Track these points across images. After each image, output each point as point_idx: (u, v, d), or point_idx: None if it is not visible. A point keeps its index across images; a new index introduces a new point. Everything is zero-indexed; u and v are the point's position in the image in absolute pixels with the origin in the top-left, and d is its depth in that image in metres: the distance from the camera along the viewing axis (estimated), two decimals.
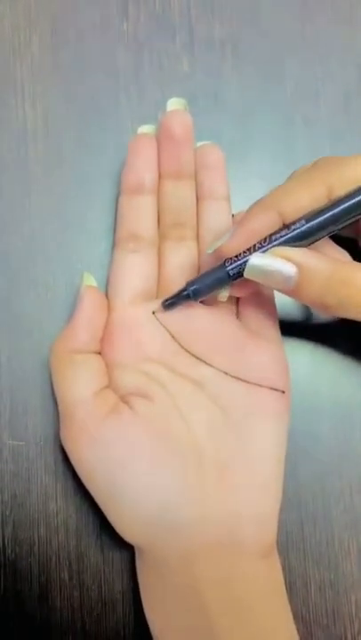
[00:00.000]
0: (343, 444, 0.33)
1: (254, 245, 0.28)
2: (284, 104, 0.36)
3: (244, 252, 0.28)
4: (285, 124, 0.36)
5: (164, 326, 0.31)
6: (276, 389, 0.30)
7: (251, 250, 0.28)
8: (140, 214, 0.32)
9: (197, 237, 0.33)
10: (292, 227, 0.27)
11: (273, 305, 0.32)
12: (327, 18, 0.37)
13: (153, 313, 0.31)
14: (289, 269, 0.27)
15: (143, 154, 0.32)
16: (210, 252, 0.29)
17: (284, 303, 0.32)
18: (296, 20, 0.37)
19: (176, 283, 0.32)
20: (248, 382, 0.30)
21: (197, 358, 0.31)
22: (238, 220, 0.29)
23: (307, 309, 0.34)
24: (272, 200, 0.28)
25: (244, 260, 0.28)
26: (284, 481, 0.30)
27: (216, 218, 0.32)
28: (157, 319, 0.31)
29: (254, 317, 0.32)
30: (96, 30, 0.36)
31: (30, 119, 0.35)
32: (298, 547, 0.32)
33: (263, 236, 0.28)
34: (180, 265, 0.32)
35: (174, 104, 0.31)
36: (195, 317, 0.31)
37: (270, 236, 0.28)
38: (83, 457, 0.29)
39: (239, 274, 0.29)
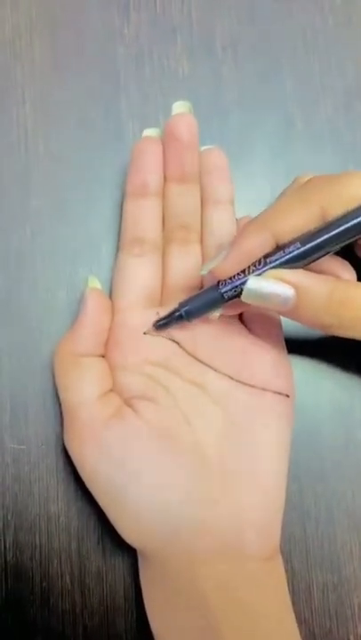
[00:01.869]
0: (345, 446, 0.33)
1: (249, 267, 0.28)
2: (285, 106, 0.36)
3: (238, 274, 0.28)
4: (286, 126, 0.36)
5: (167, 331, 0.31)
6: (280, 393, 0.30)
7: (246, 272, 0.28)
8: (145, 217, 0.32)
9: (201, 241, 0.33)
10: (287, 249, 0.27)
11: None
12: (326, 19, 0.37)
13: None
14: (286, 292, 0.26)
15: (148, 157, 0.32)
16: (204, 273, 0.29)
17: None
18: (295, 23, 0.37)
19: (180, 286, 0.32)
20: (252, 386, 0.30)
21: (201, 362, 0.31)
22: (231, 242, 0.28)
23: None
24: (265, 221, 0.28)
25: (239, 282, 0.28)
26: (287, 483, 0.30)
27: (220, 221, 0.32)
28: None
29: (258, 321, 0.32)
30: (97, 33, 0.36)
31: (31, 121, 0.35)
32: (300, 549, 0.32)
33: (256, 258, 0.28)
34: (185, 268, 0.32)
35: (180, 107, 0.31)
36: (199, 321, 0.31)
37: (265, 258, 0.27)
38: (86, 459, 0.29)
39: (233, 296, 0.28)
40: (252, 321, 0.32)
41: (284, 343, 0.32)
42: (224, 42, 0.36)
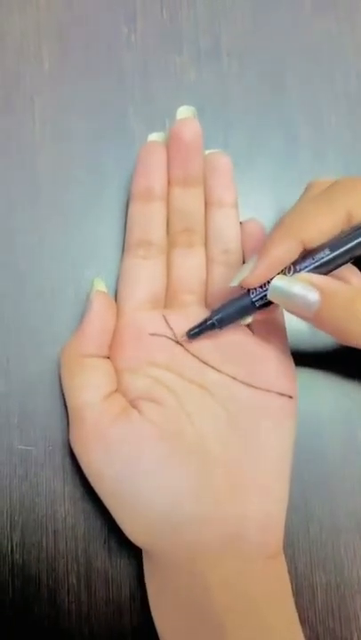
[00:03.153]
0: (349, 447, 0.33)
1: (278, 275, 0.28)
2: (289, 112, 0.36)
3: (269, 281, 0.28)
4: (291, 131, 0.36)
5: (172, 333, 0.31)
6: (283, 394, 0.30)
7: None
8: (149, 220, 0.32)
9: (205, 244, 0.33)
10: (317, 256, 0.27)
11: (281, 311, 0.32)
12: (331, 26, 0.37)
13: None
14: (312, 295, 0.27)
15: (153, 161, 0.32)
16: (235, 284, 0.29)
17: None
18: (300, 30, 0.37)
19: (184, 289, 0.32)
20: (256, 387, 0.30)
21: (205, 363, 0.31)
22: (259, 251, 0.28)
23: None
24: (292, 226, 0.28)
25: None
26: (290, 484, 0.30)
27: (224, 225, 0.33)
28: (168, 325, 0.31)
29: (262, 322, 0.32)
30: (104, 39, 0.36)
31: (38, 127, 0.35)
32: (304, 550, 0.32)
33: (285, 264, 0.28)
34: (189, 271, 0.32)
35: (184, 112, 0.32)
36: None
37: (294, 265, 0.28)
38: (92, 460, 0.29)
39: (264, 303, 0.29)
40: (256, 323, 0.32)
41: (287, 345, 0.32)
42: (230, 49, 0.37)
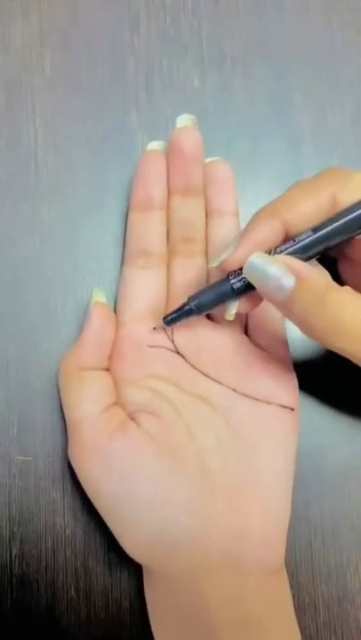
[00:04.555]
0: (351, 461, 0.33)
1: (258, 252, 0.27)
2: (294, 120, 0.36)
3: None
4: (294, 139, 0.36)
5: (172, 343, 0.31)
6: (284, 406, 0.30)
7: None
8: (149, 230, 0.32)
9: (206, 254, 0.33)
10: (298, 238, 0.27)
11: (282, 321, 0.32)
12: (335, 35, 0.37)
13: (154, 328, 0.31)
14: (287, 279, 0.25)
15: (153, 170, 0.32)
16: (215, 265, 0.29)
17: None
18: (305, 38, 0.37)
19: (184, 299, 0.32)
20: (257, 399, 0.30)
21: (205, 375, 0.31)
22: (242, 231, 0.28)
23: None
24: (275, 209, 0.27)
25: None
26: (292, 498, 0.30)
27: (224, 234, 0.32)
28: (168, 336, 0.31)
29: (263, 333, 0.31)
30: (107, 46, 0.36)
31: (41, 134, 0.35)
32: (306, 564, 0.32)
33: (268, 246, 0.27)
34: (189, 281, 0.32)
35: (184, 121, 0.32)
36: (202, 334, 0.31)
37: (275, 248, 0.27)
38: (90, 473, 0.29)
39: (244, 288, 0.28)
40: (257, 334, 0.32)
41: (289, 356, 0.32)
42: (234, 55, 0.36)
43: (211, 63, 0.36)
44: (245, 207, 0.33)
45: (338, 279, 0.30)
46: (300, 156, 0.36)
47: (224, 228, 0.32)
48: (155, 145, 0.32)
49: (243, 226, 0.32)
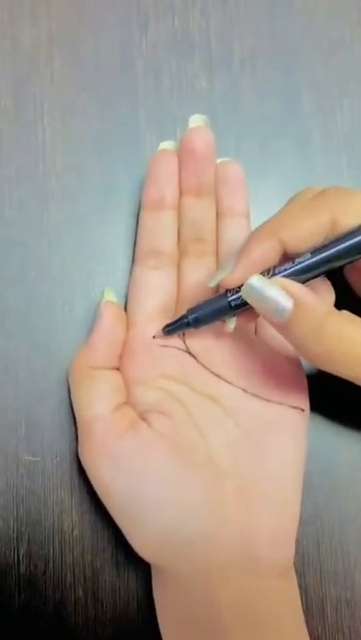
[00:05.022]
0: (360, 462, 0.33)
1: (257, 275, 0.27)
2: (303, 120, 0.36)
3: None
4: (303, 140, 0.36)
5: (183, 343, 0.31)
6: (295, 407, 0.30)
7: None
8: (160, 230, 0.32)
9: (217, 254, 0.33)
10: (298, 260, 0.27)
11: None
12: (344, 34, 0.37)
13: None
14: (285, 302, 0.25)
15: (164, 169, 0.32)
16: (213, 285, 0.29)
17: None
18: (314, 38, 0.37)
19: (195, 299, 0.32)
20: (267, 400, 0.30)
21: (216, 375, 0.31)
22: (239, 251, 0.28)
23: None
24: (274, 228, 0.27)
25: None
26: (301, 498, 0.30)
27: (235, 234, 0.32)
28: (178, 335, 0.31)
29: (273, 334, 0.31)
30: (116, 46, 0.36)
31: (49, 134, 0.35)
32: (314, 565, 0.32)
33: (265, 266, 0.27)
34: (200, 281, 0.32)
35: (196, 121, 0.31)
36: (213, 334, 0.31)
37: (274, 268, 0.27)
38: (100, 473, 0.29)
39: (240, 304, 0.28)
40: (267, 335, 0.32)
41: (299, 358, 0.32)
42: (242, 56, 0.36)
43: (219, 63, 0.36)
44: (254, 208, 0.33)
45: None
46: (309, 156, 0.36)
47: (235, 229, 0.32)
48: (166, 145, 0.32)
49: (253, 226, 0.32)
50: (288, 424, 0.30)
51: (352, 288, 0.30)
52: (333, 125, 0.36)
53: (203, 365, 0.31)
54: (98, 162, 0.35)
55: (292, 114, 0.36)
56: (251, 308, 0.27)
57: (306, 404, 0.31)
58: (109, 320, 0.30)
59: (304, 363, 0.32)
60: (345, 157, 0.36)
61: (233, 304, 0.28)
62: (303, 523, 0.31)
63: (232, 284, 0.28)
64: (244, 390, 0.30)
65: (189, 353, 0.31)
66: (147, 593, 0.31)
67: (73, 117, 0.35)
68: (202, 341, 0.31)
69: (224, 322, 0.30)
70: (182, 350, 0.31)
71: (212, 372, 0.31)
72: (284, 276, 0.27)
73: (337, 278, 0.29)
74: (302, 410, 0.30)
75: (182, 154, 0.32)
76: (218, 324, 0.30)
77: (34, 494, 0.32)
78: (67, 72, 0.36)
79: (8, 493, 0.32)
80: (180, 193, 0.32)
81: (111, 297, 0.31)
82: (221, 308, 0.29)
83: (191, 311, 0.30)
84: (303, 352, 0.26)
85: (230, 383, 0.30)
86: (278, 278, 0.26)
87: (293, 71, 0.37)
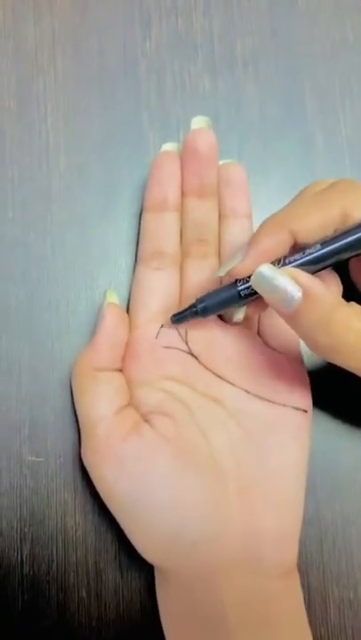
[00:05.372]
0: None
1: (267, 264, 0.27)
2: (305, 121, 0.36)
3: None
4: (306, 141, 0.36)
5: (186, 344, 0.31)
6: (297, 408, 0.30)
7: None
8: (163, 231, 0.32)
9: (219, 255, 0.33)
10: (308, 251, 0.27)
11: None
12: (347, 36, 0.37)
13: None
14: (295, 291, 0.25)
15: (167, 171, 0.32)
16: (222, 273, 0.29)
17: None
18: (316, 39, 0.37)
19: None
20: (270, 401, 0.30)
21: (218, 376, 0.31)
22: (249, 241, 0.28)
23: None
24: (284, 219, 0.27)
25: None
26: (304, 499, 0.30)
27: (238, 236, 0.32)
28: (182, 337, 0.31)
29: (275, 335, 0.31)
30: (119, 48, 0.36)
31: (52, 135, 0.35)
32: (317, 565, 0.32)
33: (275, 256, 0.27)
34: (202, 282, 0.32)
35: (199, 122, 0.31)
36: (216, 335, 0.31)
37: (284, 258, 0.27)
38: (103, 474, 0.29)
39: (249, 294, 0.28)
40: (269, 335, 0.32)
41: (302, 358, 0.32)
42: (245, 57, 0.36)
43: (222, 64, 0.36)
44: (256, 210, 0.33)
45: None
46: (312, 157, 0.36)
47: (237, 230, 0.32)
48: (169, 146, 0.32)
49: (255, 227, 0.32)
50: (291, 425, 0.30)
51: (355, 283, 0.30)
52: (336, 126, 0.36)
53: (205, 366, 0.31)
54: (101, 162, 0.35)
55: (294, 115, 0.36)
56: (260, 298, 0.27)
57: (309, 405, 0.31)
58: (112, 321, 0.31)
59: (307, 364, 0.32)
60: (348, 158, 0.36)
61: (242, 293, 0.28)
62: (306, 523, 0.31)
63: (242, 272, 0.28)
64: (246, 391, 0.30)
65: (192, 354, 0.31)
66: (150, 593, 0.31)
67: (76, 118, 0.35)
68: (204, 342, 0.31)
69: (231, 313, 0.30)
70: (185, 352, 0.31)
71: (214, 374, 0.31)
72: (294, 267, 0.27)
73: (340, 273, 0.29)
74: (305, 411, 0.30)
75: (185, 155, 0.32)
76: (226, 317, 0.30)
77: (37, 495, 0.32)
78: (70, 73, 0.36)
79: (12, 494, 0.32)
80: (183, 194, 0.32)
81: (113, 298, 0.31)
82: (231, 298, 0.29)
83: (200, 300, 0.30)
84: (311, 343, 0.27)
85: (233, 384, 0.30)
86: (288, 268, 0.26)
87: (296, 72, 0.37)
